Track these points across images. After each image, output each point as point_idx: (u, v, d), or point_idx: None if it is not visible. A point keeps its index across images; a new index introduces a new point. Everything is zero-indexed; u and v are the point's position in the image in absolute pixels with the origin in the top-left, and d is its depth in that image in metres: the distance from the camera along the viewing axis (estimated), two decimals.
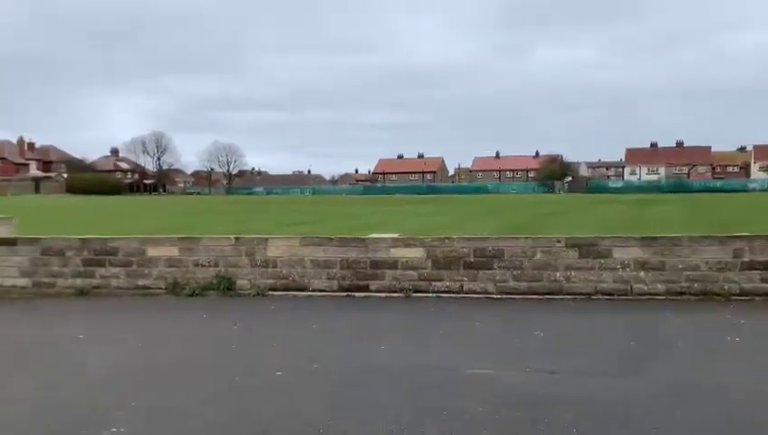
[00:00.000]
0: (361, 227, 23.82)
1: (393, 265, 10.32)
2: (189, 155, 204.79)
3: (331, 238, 10.56)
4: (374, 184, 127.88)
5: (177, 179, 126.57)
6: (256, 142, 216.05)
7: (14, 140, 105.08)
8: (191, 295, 10.37)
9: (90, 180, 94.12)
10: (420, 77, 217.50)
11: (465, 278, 10.11)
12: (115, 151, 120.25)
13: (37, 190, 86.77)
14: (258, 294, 10.35)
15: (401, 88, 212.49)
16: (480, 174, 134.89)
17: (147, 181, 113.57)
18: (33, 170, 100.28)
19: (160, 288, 10.67)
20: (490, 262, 10.05)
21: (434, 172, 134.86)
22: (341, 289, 10.41)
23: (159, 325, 8.62)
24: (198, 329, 8.28)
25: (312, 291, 10.45)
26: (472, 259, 10.10)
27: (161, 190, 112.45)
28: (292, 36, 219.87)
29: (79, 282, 10.81)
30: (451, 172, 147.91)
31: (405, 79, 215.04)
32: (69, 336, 7.78)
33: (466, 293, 10.10)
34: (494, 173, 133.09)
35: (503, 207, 43.11)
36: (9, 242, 10.97)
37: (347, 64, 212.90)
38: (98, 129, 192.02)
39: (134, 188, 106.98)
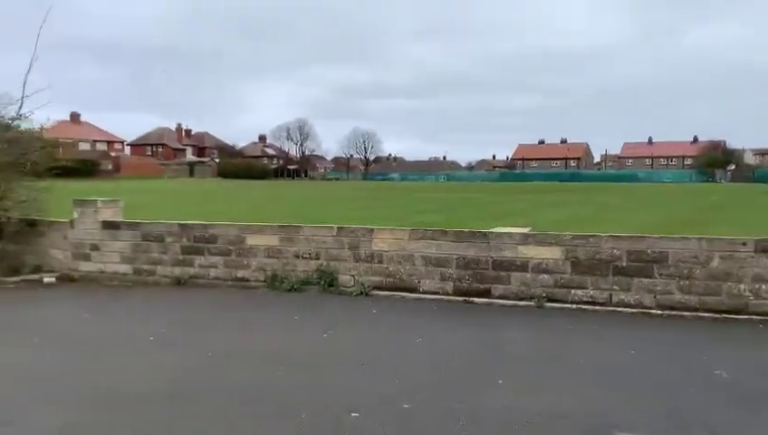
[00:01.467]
0: (489, 217, 21.86)
1: (522, 266, 8.47)
2: (330, 141, 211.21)
3: (445, 232, 8.91)
4: (512, 170, 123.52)
5: (318, 165, 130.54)
6: (393, 129, 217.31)
7: (173, 128, 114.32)
8: (290, 290, 9.24)
9: (238, 165, 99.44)
10: (564, 60, 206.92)
11: (616, 287, 8.03)
12: (263, 138, 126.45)
13: (191, 174, 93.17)
14: (361, 292, 8.99)
15: (543, 72, 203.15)
16: (630, 161, 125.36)
17: (290, 167, 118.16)
18: (189, 156, 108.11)
19: (259, 281, 9.66)
20: (648, 268, 7.88)
21: (578, 159, 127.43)
22: (457, 292, 8.75)
23: (245, 329, 7.48)
24: (284, 337, 7.03)
25: (423, 293, 8.89)
26: (624, 263, 7.99)
27: (303, 175, 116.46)
28: (430, 22, 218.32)
29: (177, 271, 10.11)
30: (597, 159, 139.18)
31: (548, 62, 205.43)
32: (142, 336, 6.85)
33: (616, 305, 8.02)
34: (646, 160, 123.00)
35: (657, 198, 38.68)
36: (113, 226, 10.52)
37: (486, 48, 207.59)
38: (248, 116, 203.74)
39: (278, 173, 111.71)
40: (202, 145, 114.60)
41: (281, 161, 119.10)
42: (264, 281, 9.61)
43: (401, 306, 8.40)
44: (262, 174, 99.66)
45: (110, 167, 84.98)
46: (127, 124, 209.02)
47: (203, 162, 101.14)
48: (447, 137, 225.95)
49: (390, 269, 9.09)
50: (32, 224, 11.33)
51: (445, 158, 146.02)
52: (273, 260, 9.65)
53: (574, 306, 8.18)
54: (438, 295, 8.80)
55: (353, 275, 9.25)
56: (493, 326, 7.45)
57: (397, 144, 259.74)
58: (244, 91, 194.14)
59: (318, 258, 9.44)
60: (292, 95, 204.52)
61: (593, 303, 8.16)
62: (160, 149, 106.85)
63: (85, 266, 10.66)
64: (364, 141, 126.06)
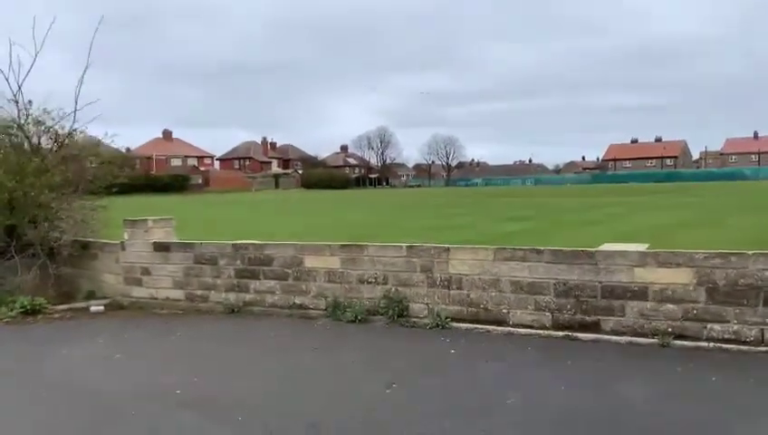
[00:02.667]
0: (585, 223, 19.72)
1: (640, 293, 6.70)
2: (411, 149, 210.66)
3: (539, 251, 7.25)
4: (604, 172, 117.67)
5: (399, 173, 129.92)
6: (476, 133, 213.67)
7: (259, 141, 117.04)
8: (353, 321, 7.88)
9: (321, 176, 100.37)
10: (657, 55, 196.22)
11: None
12: (344, 148, 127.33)
13: (277, 186, 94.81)
14: (437, 325, 7.49)
15: (633, 68, 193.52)
16: (734, 157, 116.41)
17: (371, 175, 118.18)
18: (274, 168, 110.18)
19: (319, 309, 8.37)
20: None
21: (674, 157, 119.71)
22: (557, 326, 7.08)
23: (293, 380, 6.16)
24: (336, 390, 5.64)
25: (513, 326, 7.28)
26: None
27: (384, 184, 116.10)
28: (512, 23, 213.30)
29: (231, 297, 8.99)
30: (695, 156, 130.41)
31: (637, 58, 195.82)
32: (168, 388, 5.66)
33: None
34: (752, 156, 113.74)
35: None
36: (163, 248, 9.57)
37: (571, 48, 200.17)
38: (331, 127, 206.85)
39: (360, 182, 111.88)
40: (286, 157, 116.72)
41: (362, 170, 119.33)
42: (325, 309, 8.31)
43: (486, 345, 6.82)
44: (343, 183, 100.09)
45: (200, 181, 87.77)
46: (217, 140, 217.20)
47: (287, 174, 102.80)
48: (533, 139, 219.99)
49: (472, 297, 7.54)
50: (85, 246, 10.63)
51: (531, 161, 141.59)
52: (335, 285, 8.33)
53: (711, 345, 6.33)
54: (533, 329, 7.16)
55: (427, 304, 7.77)
56: (608, 376, 5.73)
57: (480, 149, 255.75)
58: (326, 102, 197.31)
59: (385, 283, 8.02)
60: (373, 105, 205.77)
61: (738, 341, 6.28)
62: (247, 163, 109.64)
63: (137, 292, 9.78)
64: (445, 147, 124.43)
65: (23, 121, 10.51)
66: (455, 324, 7.49)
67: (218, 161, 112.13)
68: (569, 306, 7.05)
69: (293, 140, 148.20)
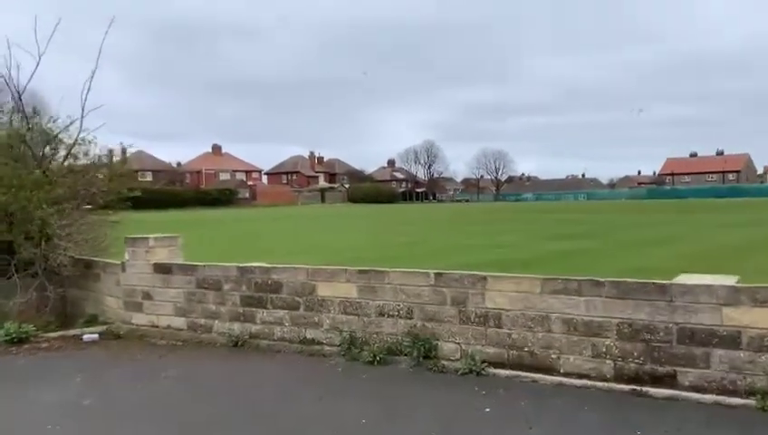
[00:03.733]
0: (646, 243, 17.90)
1: (730, 340, 5.22)
2: (459, 163, 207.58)
3: (598, 282, 5.84)
4: (660, 186, 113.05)
5: (446, 187, 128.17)
6: (527, 147, 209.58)
7: (306, 156, 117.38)
8: (371, 362, 6.61)
9: (367, 190, 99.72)
10: (716, 65, 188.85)
11: None
12: (391, 162, 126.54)
13: (323, 200, 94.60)
14: (471, 370, 6.14)
15: (692, 79, 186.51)
16: None
17: (418, 189, 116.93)
18: (321, 182, 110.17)
19: (333, 345, 7.14)
20: None
21: (737, 171, 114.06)
22: (621, 377, 5.65)
23: None
24: None
25: (565, 375, 5.87)
26: None
27: (431, 198, 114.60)
28: (567, 36, 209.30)
29: (236, 328, 7.87)
30: (760, 171, 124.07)
31: (696, 69, 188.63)
32: None
33: None
34: None
35: None
36: (164, 269, 8.54)
37: (627, 58, 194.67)
38: (378, 142, 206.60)
39: (407, 196, 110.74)
40: (333, 171, 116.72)
41: (409, 184, 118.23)
42: (340, 345, 7.07)
43: (530, 401, 5.44)
44: (390, 198, 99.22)
45: (247, 195, 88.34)
46: (266, 154, 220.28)
47: (333, 188, 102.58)
48: (586, 153, 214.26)
49: (514, 337, 6.17)
50: (88, 265, 9.73)
51: (584, 175, 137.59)
52: (351, 317, 7.10)
53: None
54: (590, 381, 5.74)
55: (459, 344, 6.44)
56: None
57: (530, 163, 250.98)
58: (374, 117, 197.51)
59: (410, 317, 6.74)
60: (422, 119, 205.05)
61: None
62: (294, 177, 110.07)
63: (138, 319, 8.77)
64: (495, 161, 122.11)
65: (25, 131, 9.72)
66: (492, 370, 6.13)
67: (266, 175, 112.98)
68: (636, 353, 5.61)
69: (341, 154, 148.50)
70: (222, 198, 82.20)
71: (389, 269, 6.93)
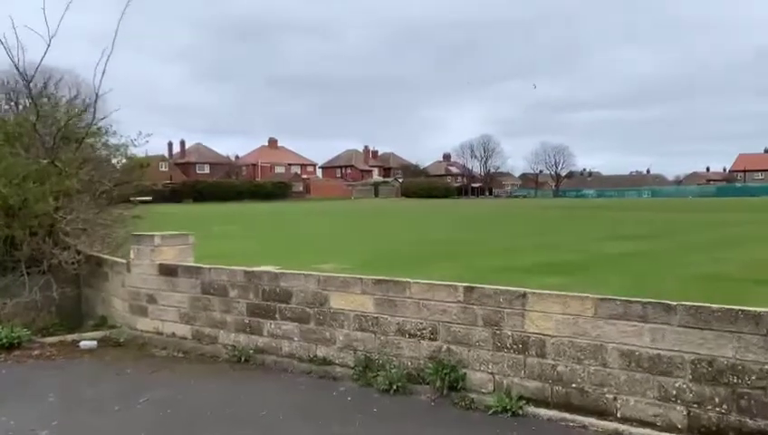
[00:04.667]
0: (719, 245, 16.07)
1: None
2: (517, 158, 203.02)
3: (669, 307, 4.58)
4: (731, 183, 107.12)
5: (503, 182, 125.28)
6: (588, 142, 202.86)
7: (361, 149, 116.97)
8: (388, 390, 5.57)
9: (421, 184, 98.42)
10: None
11: None
12: (447, 156, 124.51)
13: (376, 194, 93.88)
14: (506, 408, 5.01)
15: (765, 73, 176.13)
16: None
17: (474, 185, 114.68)
18: (375, 176, 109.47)
19: (346, 366, 6.13)
20: None
21: None
22: (696, 429, 4.41)
23: None
24: None
25: (623, 420, 4.67)
26: None
27: (487, 193, 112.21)
28: (631, 28, 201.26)
29: (242, 340, 6.96)
30: None
31: None
32: None
33: None
34: None
35: None
36: (169, 271, 7.71)
37: (695, 50, 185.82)
38: (435, 136, 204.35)
39: (462, 192, 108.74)
40: (387, 165, 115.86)
41: (464, 179, 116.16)
42: (354, 367, 6.05)
43: None
44: (444, 193, 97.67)
45: (301, 189, 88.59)
46: (322, 149, 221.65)
47: (387, 182, 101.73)
48: (652, 149, 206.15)
49: (559, 369, 5.00)
50: (100, 263, 9.06)
51: (648, 171, 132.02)
52: (367, 335, 6.06)
53: None
54: (655, 430, 4.52)
55: (492, 374, 5.31)
56: None
57: (592, 159, 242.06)
58: (431, 112, 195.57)
59: (433, 338, 5.64)
60: (481, 113, 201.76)
61: None
62: (348, 171, 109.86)
63: (142, 324, 8.00)
64: (554, 156, 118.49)
65: (35, 119, 9.08)
66: (532, 410, 4.98)
67: (320, 169, 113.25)
68: (717, 399, 4.35)
69: (397, 149, 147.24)
70: (276, 191, 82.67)
71: (411, 280, 5.84)
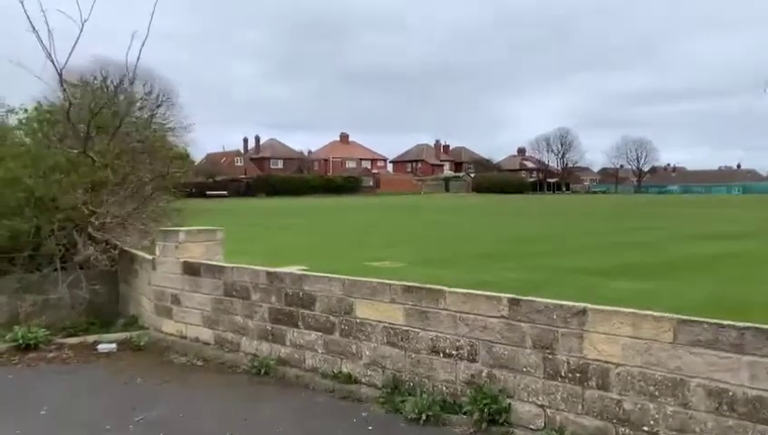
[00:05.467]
0: None
1: None
2: (596, 152, 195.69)
3: None
4: None
5: (581, 177, 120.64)
6: (672, 136, 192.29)
7: (432, 144, 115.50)
8: (417, 419, 4.68)
9: (494, 179, 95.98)
10: None
11: None
12: (521, 150, 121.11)
13: (447, 189, 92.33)
14: None
15: None
16: None
17: (550, 180, 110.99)
18: (446, 171, 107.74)
19: (373, 386, 5.28)
20: None
21: None
22: None
23: None
24: None
25: None
26: None
27: (564, 189, 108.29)
28: (720, 14, 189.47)
29: (264, 349, 6.25)
30: None
31: None
32: None
33: None
34: None
35: None
36: (193, 270, 7.10)
37: None
38: (509, 130, 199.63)
39: (537, 187, 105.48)
40: (459, 160, 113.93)
41: (540, 174, 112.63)
42: (381, 388, 5.19)
43: None
44: (518, 188, 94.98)
45: (371, 183, 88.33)
46: (393, 143, 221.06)
47: (458, 177, 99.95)
48: (743, 142, 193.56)
49: (626, 407, 3.94)
50: (132, 259, 8.60)
51: (739, 166, 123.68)
52: (396, 351, 5.17)
53: None
54: None
55: (542, 407, 4.31)
56: None
57: (676, 153, 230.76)
58: (506, 104, 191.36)
59: (472, 359, 4.69)
60: (558, 106, 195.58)
61: None
62: (419, 165, 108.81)
63: (167, 326, 7.44)
64: (636, 150, 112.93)
65: (68, 106, 8.71)
66: None
67: (391, 164, 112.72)
68: None
69: (469, 143, 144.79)
70: (346, 185, 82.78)
71: (446, 288, 4.90)
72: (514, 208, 43.60)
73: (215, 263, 6.92)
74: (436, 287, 4.94)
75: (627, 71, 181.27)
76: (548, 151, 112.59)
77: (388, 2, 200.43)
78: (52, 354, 6.82)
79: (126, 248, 8.77)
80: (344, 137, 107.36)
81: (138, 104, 9.35)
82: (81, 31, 8.60)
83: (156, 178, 9.85)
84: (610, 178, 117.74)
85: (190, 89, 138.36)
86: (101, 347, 7.03)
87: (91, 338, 7.35)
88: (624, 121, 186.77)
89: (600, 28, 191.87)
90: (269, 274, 6.26)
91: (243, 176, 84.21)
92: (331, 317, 5.68)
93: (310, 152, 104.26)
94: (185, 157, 9.97)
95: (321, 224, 27.84)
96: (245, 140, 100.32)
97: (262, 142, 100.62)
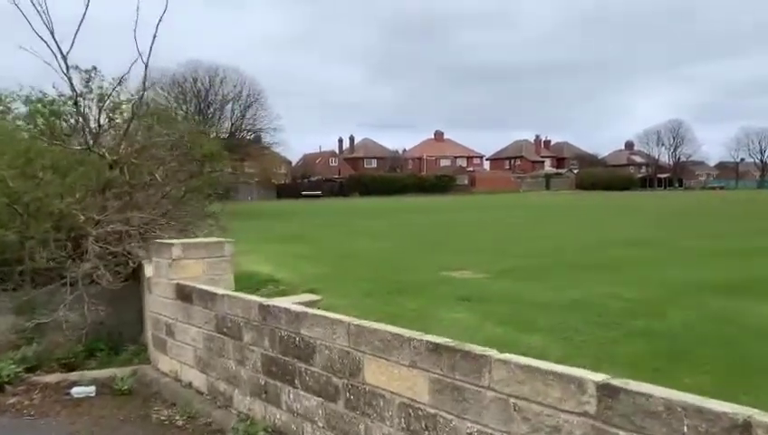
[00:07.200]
0: None
1: None
2: (713, 145, 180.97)
3: None
4: None
5: (696, 172, 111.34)
6: None
7: (532, 140, 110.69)
8: None
9: (599, 175, 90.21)
10: None
11: None
12: (629, 145, 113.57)
13: (547, 187, 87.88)
14: None
15: None
16: None
17: (661, 175, 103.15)
18: (547, 167, 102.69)
19: None
20: None
21: None
22: None
23: None
24: None
25: None
26: None
27: (677, 185, 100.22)
28: None
29: (257, 409, 4.56)
30: None
31: None
32: None
33: None
34: None
35: None
36: (185, 296, 5.54)
37: None
38: (616, 124, 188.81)
39: (647, 183, 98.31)
40: (561, 156, 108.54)
41: (649, 170, 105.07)
42: None
43: None
44: (626, 184, 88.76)
45: (465, 181, 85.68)
46: (493, 140, 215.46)
47: (560, 174, 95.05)
48: None
49: None
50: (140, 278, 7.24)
51: None
52: None
53: None
54: None
55: None
56: None
57: None
58: (612, 97, 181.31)
59: None
60: (668, 98, 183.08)
61: None
62: (518, 162, 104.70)
63: (163, 363, 5.97)
64: (759, 142, 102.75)
65: (75, 95, 7.48)
66: None
67: (488, 161, 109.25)
68: None
69: (572, 138, 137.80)
70: (439, 184, 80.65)
71: (493, 354, 2.95)
72: (621, 206, 39.85)
73: (206, 288, 5.30)
74: (477, 351, 3.01)
75: (744, 59, 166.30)
76: (658, 145, 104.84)
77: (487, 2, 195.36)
78: (13, 399, 5.49)
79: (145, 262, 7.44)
80: (439, 135, 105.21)
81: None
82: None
83: (186, 179, 8.49)
84: (729, 172, 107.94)
85: (289, 92, 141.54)
86: (76, 391, 5.63)
87: (71, 376, 5.99)
88: (742, 113, 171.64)
89: (715, 17, 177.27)
90: (262, 307, 4.54)
91: (336, 176, 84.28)
92: (334, 378, 3.88)
93: (404, 151, 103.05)
94: (216, 155, 8.53)
95: (404, 225, 26.14)
96: (340, 141, 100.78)
97: (356, 142, 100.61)
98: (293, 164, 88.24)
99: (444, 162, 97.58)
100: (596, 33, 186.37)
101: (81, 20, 7.34)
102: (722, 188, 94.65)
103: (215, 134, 40.15)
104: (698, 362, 5.97)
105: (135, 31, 7.19)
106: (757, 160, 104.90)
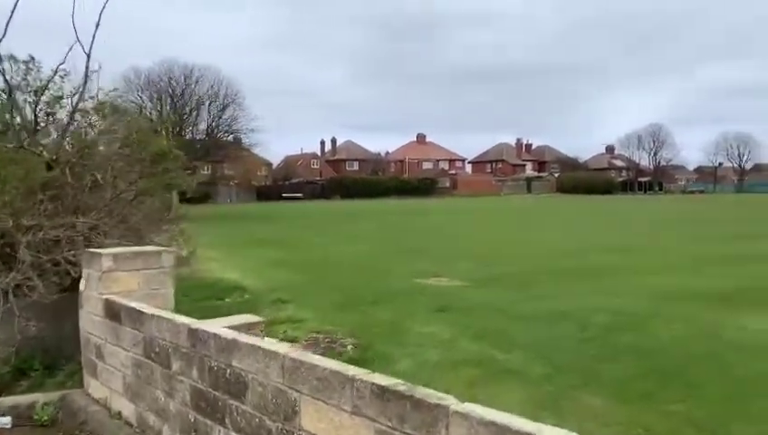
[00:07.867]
0: None
1: None
2: (691, 149, 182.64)
3: None
4: None
5: (676, 176, 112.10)
6: None
7: (513, 143, 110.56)
8: None
9: (580, 179, 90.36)
10: None
11: None
12: (610, 148, 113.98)
13: (529, 190, 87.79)
14: None
15: None
16: None
17: (641, 179, 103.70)
18: (528, 171, 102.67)
19: None
20: None
21: None
22: None
23: None
24: None
25: None
26: None
27: (657, 188, 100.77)
28: None
29: None
30: None
31: None
32: None
33: None
34: None
35: None
36: (113, 314, 4.86)
37: None
38: (596, 128, 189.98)
39: (627, 187, 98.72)
40: (542, 159, 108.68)
41: (630, 173, 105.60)
42: None
43: None
44: (606, 188, 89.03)
45: (447, 184, 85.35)
46: (474, 143, 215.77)
47: (541, 177, 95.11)
48: None
49: None
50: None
51: None
52: None
53: None
54: None
55: None
56: None
57: None
58: (593, 101, 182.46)
59: None
60: (648, 102, 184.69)
61: None
62: (499, 166, 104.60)
63: (94, 388, 5.28)
64: (738, 147, 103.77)
65: (14, 87, 6.76)
66: None
67: (470, 164, 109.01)
68: None
69: (554, 142, 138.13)
70: (421, 187, 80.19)
71: (451, 404, 2.33)
72: (601, 210, 39.64)
73: (134, 305, 4.62)
74: (432, 399, 2.39)
75: (723, 63, 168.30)
76: (639, 149, 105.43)
77: (474, 3, 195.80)
78: None
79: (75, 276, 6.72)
80: (421, 138, 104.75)
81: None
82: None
83: (135, 181, 7.80)
84: (708, 176, 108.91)
85: (274, 93, 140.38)
86: None
87: None
88: (721, 117, 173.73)
89: (693, 22, 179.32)
90: (191, 332, 3.89)
91: (318, 178, 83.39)
92: (268, 421, 3.24)
93: (387, 153, 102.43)
94: (167, 154, 7.88)
95: (383, 228, 25.55)
96: (322, 143, 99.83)
97: (338, 144, 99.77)
98: (275, 166, 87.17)
99: (426, 165, 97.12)
100: (577, 37, 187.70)
101: (14, 7, 6.63)
102: (701, 191, 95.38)
103: (190, 135, 39.23)
104: (690, 384, 5.44)
105: (73, 17, 6.50)
106: (735, 165, 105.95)
